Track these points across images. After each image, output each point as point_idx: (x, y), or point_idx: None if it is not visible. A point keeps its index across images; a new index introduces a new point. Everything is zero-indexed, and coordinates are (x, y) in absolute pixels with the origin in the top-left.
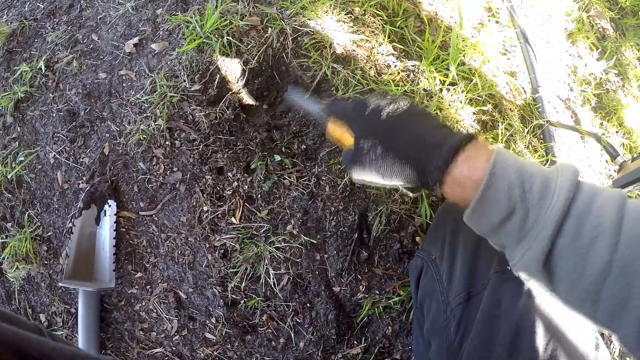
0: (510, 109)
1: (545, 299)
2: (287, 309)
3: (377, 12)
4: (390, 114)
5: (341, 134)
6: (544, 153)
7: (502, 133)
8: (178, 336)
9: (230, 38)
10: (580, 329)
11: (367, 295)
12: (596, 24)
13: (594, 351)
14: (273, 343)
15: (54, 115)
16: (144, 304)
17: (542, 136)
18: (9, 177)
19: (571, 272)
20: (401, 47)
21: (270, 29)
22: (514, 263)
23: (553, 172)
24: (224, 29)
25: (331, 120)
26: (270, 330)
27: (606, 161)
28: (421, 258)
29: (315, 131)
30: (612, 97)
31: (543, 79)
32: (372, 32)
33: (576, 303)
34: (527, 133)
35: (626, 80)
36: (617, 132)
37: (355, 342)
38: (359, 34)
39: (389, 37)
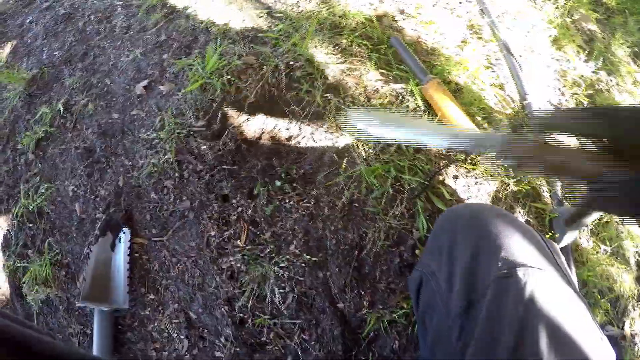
0: (501, 118)
1: (548, 303)
2: (293, 327)
3: (363, 42)
4: None
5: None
6: None
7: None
8: (189, 355)
9: (229, 77)
10: (585, 334)
11: (371, 310)
12: (582, 27)
13: (598, 356)
14: None
15: (72, 152)
16: (156, 324)
17: None
18: (30, 208)
19: None
20: (387, 72)
21: (265, 66)
22: None
23: None
24: (223, 69)
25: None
26: (277, 348)
27: None
28: (419, 271)
29: (312, 157)
30: (606, 96)
31: (531, 87)
32: (359, 60)
33: None
34: None
35: (619, 77)
36: None
37: (363, 358)
38: (347, 64)
39: (375, 64)
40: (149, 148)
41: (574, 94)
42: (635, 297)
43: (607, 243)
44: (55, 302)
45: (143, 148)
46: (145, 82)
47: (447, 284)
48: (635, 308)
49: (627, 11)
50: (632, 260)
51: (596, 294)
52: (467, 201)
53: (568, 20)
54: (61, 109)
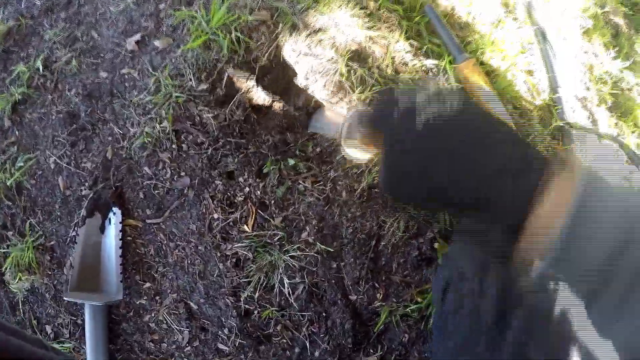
0: (531, 109)
1: (582, 321)
2: (302, 319)
3: (393, 7)
4: (429, 121)
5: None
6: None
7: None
8: (189, 347)
9: (238, 34)
10: None
11: (384, 304)
12: (610, 20)
13: None
14: (288, 353)
15: (54, 117)
16: (153, 314)
17: (561, 138)
18: (8, 183)
19: None
20: (418, 43)
21: (280, 24)
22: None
23: None
24: (231, 25)
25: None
26: (285, 340)
27: (625, 162)
28: (448, 270)
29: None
30: (627, 96)
31: (562, 79)
32: (388, 28)
33: None
34: (546, 135)
35: None
36: (632, 132)
37: (372, 351)
38: (374, 30)
39: (405, 34)
40: (141, 114)
41: (599, 90)
42: None
43: None
44: (42, 290)
45: (135, 114)
46: (137, 36)
47: (478, 292)
48: None
49: None
50: None
51: None
52: None
53: (599, 11)
54: (40, 66)
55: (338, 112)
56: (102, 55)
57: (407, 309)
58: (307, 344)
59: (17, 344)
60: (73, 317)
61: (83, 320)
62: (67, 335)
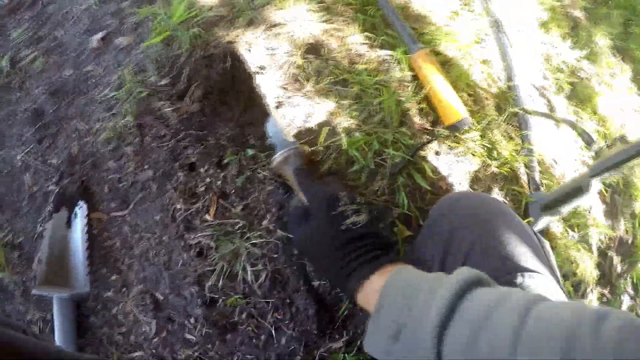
0: (486, 97)
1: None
2: (266, 306)
3: (349, 0)
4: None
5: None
6: (520, 141)
7: (478, 123)
8: (157, 338)
9: (198, 29)
10: None
11: None
12: (569, 12)
13: None
14: (254, 341)
15: (20, 115)
16: (120, 307)
17: (518, 124)
18: None
19: None
20: (374, 36)
21: (240, 18)
22: None
23: (438, 281)
24: (192, 20)
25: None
26: (250, 328)
27: (580, 148)
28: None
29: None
30: (585, 85)
31: (518, 67)
32: (344, 21)
33: None
34: (502, 122)
35: (599, 68)
36: (590, 119)
37: (337, 336)
38: (330, 23)
39: (361, 26)
40: (105, 110)
41: (557, 79)
42: (594, 282)
43: (576, 229)
44: (11, 288)
45: (99, 110)
46: (101, 34)
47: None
48: (593, 291)
49: (610, 2)
50: (595, 247)
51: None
52: (449, 179)
53: (557, 3)
54: (6, 66)
55: (281, 122)
56: (66, 53)
57: None
58: (273, 331)
59: (10, 333)
60: (42, 313)
61: (52, 316)
62: (37, 331)
